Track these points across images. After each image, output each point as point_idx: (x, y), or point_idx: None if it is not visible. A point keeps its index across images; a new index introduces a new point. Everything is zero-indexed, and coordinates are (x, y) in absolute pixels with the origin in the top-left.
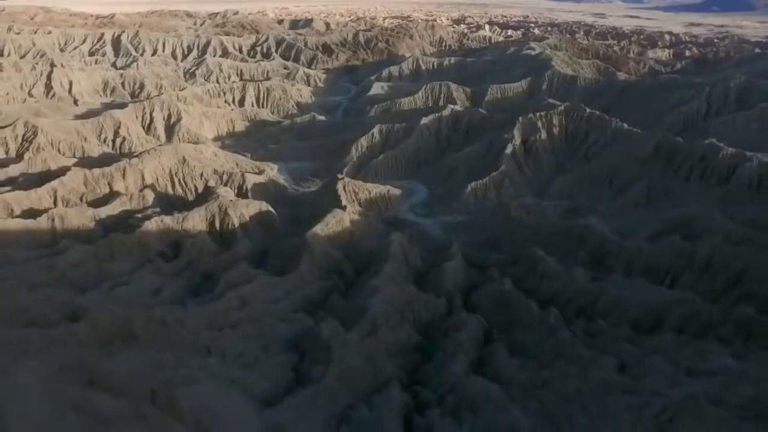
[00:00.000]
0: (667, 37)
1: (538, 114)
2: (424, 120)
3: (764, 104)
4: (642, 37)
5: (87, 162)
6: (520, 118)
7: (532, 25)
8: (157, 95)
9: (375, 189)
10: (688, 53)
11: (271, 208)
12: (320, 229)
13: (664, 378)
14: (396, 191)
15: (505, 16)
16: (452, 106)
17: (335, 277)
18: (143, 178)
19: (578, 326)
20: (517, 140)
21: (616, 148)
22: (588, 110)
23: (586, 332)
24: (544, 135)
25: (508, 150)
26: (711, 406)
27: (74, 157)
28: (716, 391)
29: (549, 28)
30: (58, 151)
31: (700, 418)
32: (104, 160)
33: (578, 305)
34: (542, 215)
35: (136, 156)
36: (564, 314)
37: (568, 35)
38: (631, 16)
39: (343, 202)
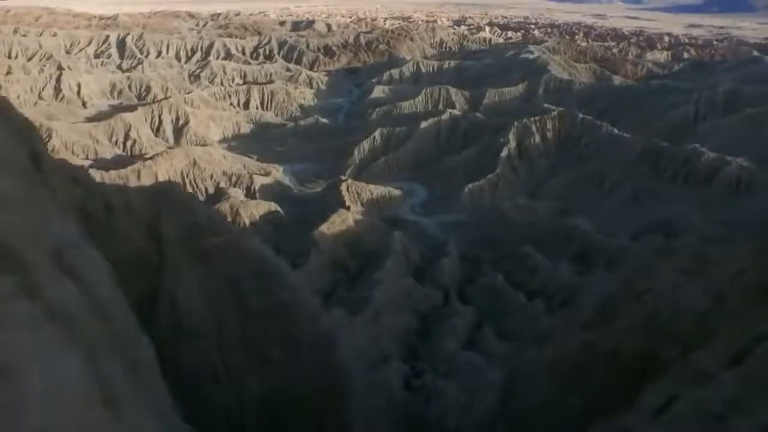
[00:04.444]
0: (666, 38)
1: (532, 119)
2: (424, 124)
3: (750, 110)
4: (641, 38)
5: (101, 164)
6: (516, 123)
7: (532, 26)
8: (165, 98)
9: (377, 190)
10: (686, 55)
11: (279, 208)
12: (326, 228)
13: None
14: (397, 192)
15: (506, 17)
16: (451, 111)
17: (340, 273)
18: (156, 180)
19: (561, 315)
20: (512, 144)
21: (606, 152)
22: (580, 115)
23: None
24: (537, 139)
25: (504, 153)
26: None
27: (87, 159)
28: None
29: (549, 30)
30: (72, 153)
31: None
32: (118, 162)
33: (562, 297)
34: (534, 215)
35: (150, 158)
36: (549, 305)
37: (567, 37)
38: (632, 17)
39: (347, 203)
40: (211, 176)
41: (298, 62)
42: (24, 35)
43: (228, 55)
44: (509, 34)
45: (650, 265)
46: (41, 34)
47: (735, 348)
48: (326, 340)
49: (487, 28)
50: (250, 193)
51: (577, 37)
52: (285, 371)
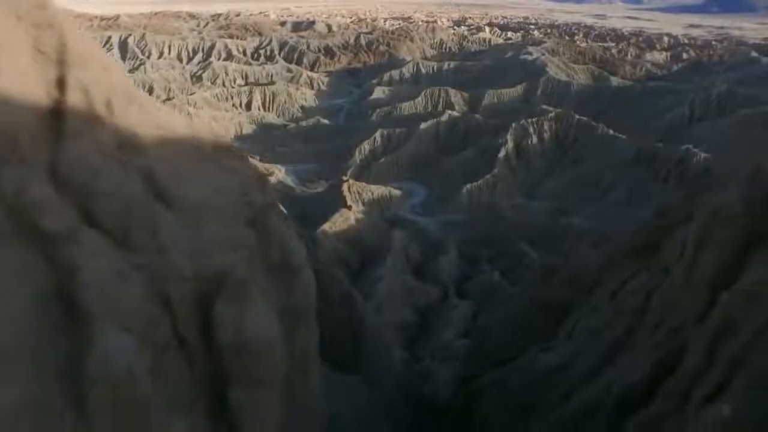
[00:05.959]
0: (665, 39)
1: (530, 120)
2: (424, 125)
3: (743, 111)
4: (641, 39)
5: None
6: (513, 124)
7: (532, 26)
8: (168, 99)
9: (377, 190)
10: (685, 56)
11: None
12: (328, 226)
13: None
14: (397, 192)
15: (506, 17)
16: (450, 112)
17: (343, 269)
18: None
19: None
20: (510, 145)
21: (602, 153)
22: (577, 117)
23: None
24: (535, 140)
25: (501, 154)
26: None
27: None
28: None
29: (549, 30)
30: None
31: None
32: None
33: None
34: (531, 215)
35: None
36: None
37: (567, 37)
38: (632, 18)
39: (348, 202)
40: None
41: (298, 63)
42: None
43: (229, 56)
44: (509, 34)
45: (576, 243)
46: None
47: (611, 290)
48: (348, 298)
49: (487, 29)
50: None
51: (576, 37)
52: (319, 319)
